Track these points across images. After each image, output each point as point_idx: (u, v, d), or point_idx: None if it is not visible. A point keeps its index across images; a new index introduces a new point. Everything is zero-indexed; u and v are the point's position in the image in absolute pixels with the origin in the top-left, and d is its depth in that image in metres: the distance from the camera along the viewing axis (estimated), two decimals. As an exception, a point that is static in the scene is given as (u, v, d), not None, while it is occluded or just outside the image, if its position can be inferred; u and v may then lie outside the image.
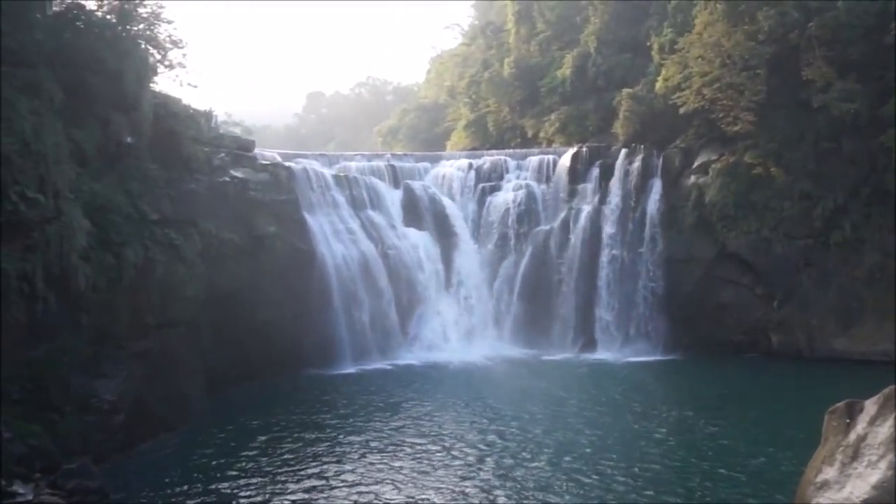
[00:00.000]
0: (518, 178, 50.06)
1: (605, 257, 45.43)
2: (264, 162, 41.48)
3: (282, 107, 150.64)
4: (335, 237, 42.42)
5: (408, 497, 22.04)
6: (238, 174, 38.12)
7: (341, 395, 34.46)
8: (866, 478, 11.47)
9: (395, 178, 48.90)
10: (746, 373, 38.96)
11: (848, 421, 12.30)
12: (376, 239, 44.35)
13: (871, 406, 12.18)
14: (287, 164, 42.90)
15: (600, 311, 44.91)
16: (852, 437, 12.05)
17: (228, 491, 22.89)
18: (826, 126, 40.76)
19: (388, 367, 40.50)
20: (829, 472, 12.05)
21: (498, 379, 38.03)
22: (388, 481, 23.32)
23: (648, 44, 49.80)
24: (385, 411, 31.51)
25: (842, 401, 12.72)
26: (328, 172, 45.53)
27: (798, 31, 41.47)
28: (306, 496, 22.32)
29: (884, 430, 11.65)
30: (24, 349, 23.79)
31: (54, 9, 29.13)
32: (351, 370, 39.49)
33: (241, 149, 40.60)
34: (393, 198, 47.61)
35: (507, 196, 48.71)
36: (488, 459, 25.31)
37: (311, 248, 40.32)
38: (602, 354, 43.24)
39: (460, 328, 45.52)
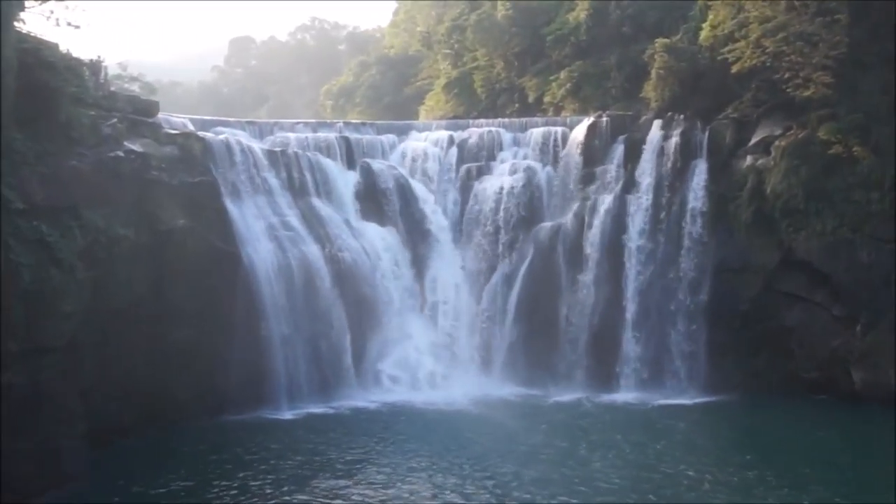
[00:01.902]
0: (515, 157, 49.93)
1: (630, 265, 45.39)
2: (172, 131, 41.06)
3: (196, 57, 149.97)
4: (267, 234, 42.08)
5: None
6: (136, 147, 37.61)
7: (270, 452, 33.95)
8: None
9: (350, 155, 48.62)
10: (820, 422, 38.77)
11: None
12: (322, 238, 44.04)
13: None
14: (202, 134, 42.49)
15: (624, 336, 44.82)
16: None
17: None
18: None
19: (337, 412, 40.16)
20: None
21: (485, 431, 37.56)
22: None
23: (691, -21, 49.92)
24: (324, 477, 30.99)
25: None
26: (259, 147, 45.18)
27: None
28: None
29: None
30: None
31: None
32: (286, 415, 39.13)
33: (139, 113, 40.08)
34: (346, 182, 47.38)
35: (500, 182, 48.54)
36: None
37: (235, 248, 39.92)
38: (626, 395, 43.17)
39: (436, 360, 45.29)
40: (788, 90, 42.95)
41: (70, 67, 34.72)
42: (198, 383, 37.13)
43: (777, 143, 43.82)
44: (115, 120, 37.69)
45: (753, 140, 44.96)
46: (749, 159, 44.69)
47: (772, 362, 42.85)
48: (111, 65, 47.25)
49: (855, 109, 42.20)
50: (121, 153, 36.69)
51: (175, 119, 44.22)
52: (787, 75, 42.80)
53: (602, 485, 30.03)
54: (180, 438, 35.02)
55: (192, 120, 45.49)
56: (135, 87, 63.09)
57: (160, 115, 42.11)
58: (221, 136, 43.52)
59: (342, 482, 30.54)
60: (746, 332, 43.35)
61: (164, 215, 37.41)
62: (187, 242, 37.70)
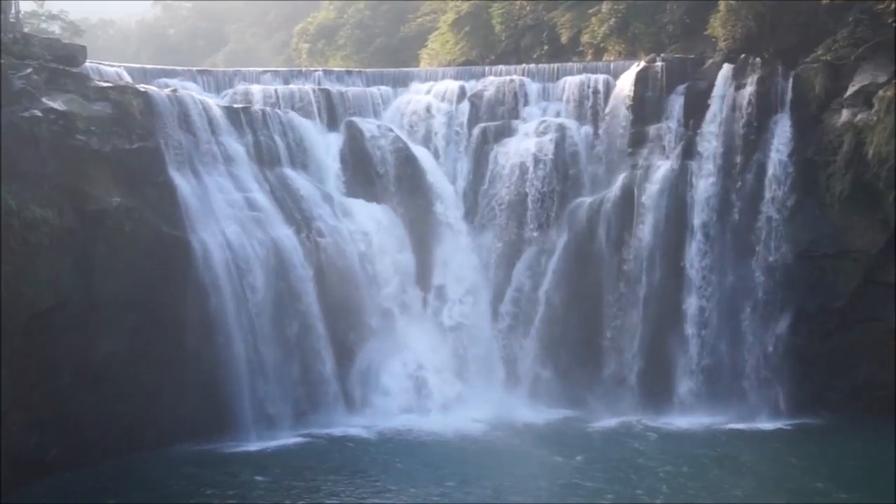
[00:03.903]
0: (544, 114, 49.97)
1: (693, 251, 45.47)
2: (103, 84, 41.12)
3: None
4: (227, 215, 42.18)
5: None
6: (56, 105, 37.71)
7: (231, 497, 34.20)
8: None
9: (332, 113, 48.88)
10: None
11: None
12: (298, 219, 44.24)
13: None
14: (142, 87, 42.54)
15: (685, 343, 45.01)
16: None
17: None
18: None
19: (315, 442, 40.51)
20: None
21: (505, 467, 37.75)
22: None
23: None
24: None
25: None
26: (215, 103, 45.34)
27: None
28: None
29: None
30: None
31: None
32: (252, 446, 39.43)
33: (61, 61, 40.25)
34: (327, 148, 47.65)
35: (525, 146, 48.59)
36: None
37: (185, 234, 40.09)
38: (686, 418, 43.35)
39: (443, 375, 45.56)
40: (896, 25, 42.86)
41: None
42: (139, 407, 37.29)
43: (881, 93, 43.62)
44: (30, 70, 37.84)
45: (851, 90, 44.75)
46: (845, 114, 44.51)
47: (874, 376, 42.82)
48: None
49: (982, 49, 42.17)
50: (37, 112, 36.84)
51: (107, 68, 44.27)
52: (894, 5, 42.69)
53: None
54: (120, 478, 35.25)
55: (128, 69, 45.59)
56: (55, 28, 63.38)
57: (88, 64, 42.27)
58: (167, 90, 43.54)
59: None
60: (841, 337, 43.47)
61: (93, 192, 37.51)
62: (124, 227, 37.82)
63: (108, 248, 37.31)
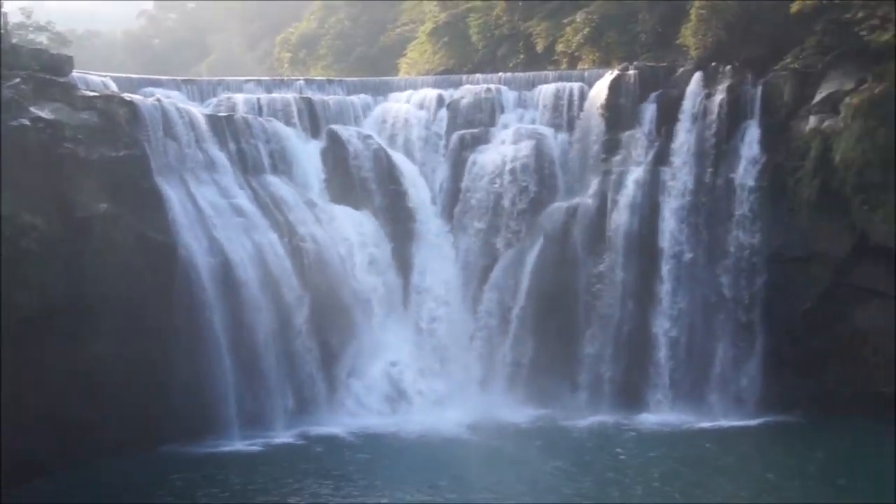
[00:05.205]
0: (520, 121, 50.03)
1: (666, 254, 45.56)
2: (90, 93, 41.09)
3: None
4: (211, 221, 42.13)
5: None
6: (44, 114, 37.71)
7: (217, 495, 34.09)
8: None
9: (314, 121, 48.82)
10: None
11: None
12: (281, 224, 44.21)
13: None
14: (128, 96, 42.50)
15: (659, 343, 45.06)
16: None
17: None
18: None
19: (300, 442, 40.46)
20: None
21: (485, 467, 37.60)
22: None
23: None
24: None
25: None
26: (199, 111, 45.23)
27: None
28: None
29: None
30: None
31: None
32: (238, 446, 39.43)
33: (49, 71, 40.20)
34: (309, 155, 47.66)
35: (501, 153, 48.64)
36: None
37: (171, 239, 40.07)
38: (661, 416, 43.51)
39: (423, 375, 45.57)
40: (862, 33, 42.91)
41: (-42, 14, 34.84)
42: (128, 408, 37.16)
43: (848, 100, 43.65)
44: (18, 80, 37.78)
45: (818, 97, 44.83)
46: (813, 121, 44.58)
47: (842, 374, 42.88)
48: (12, 10, 47.14)
49: (946, 56, 42.22)
50: (25, 121, 36.83)
51: (94, 78, 44.17)
52: (860, 14, 42.79)
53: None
54: (106, 479, 35.16)
55: (114, 79, 45.49)
56: (43, 39, 63.15)
57: (75, 74, 42.16)
58: (152, 99, 43.46)
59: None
60: (811, 337, 43.48)
61: (80, 199, 37.50)
62: (110, 233, 37.82)
63: (96, 253, 37.25)
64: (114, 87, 43.47)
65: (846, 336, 43.26)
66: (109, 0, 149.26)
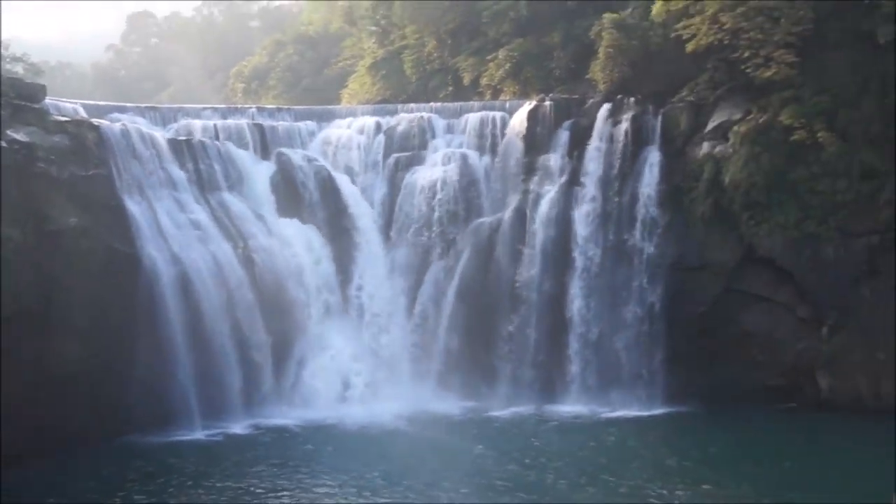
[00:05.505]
0: (449, 145, 50.13)
1: (577, 264, 45.75)
2: (61, 118, 40.71)
3: (89, 35, 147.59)
4: (171, 234, 41.81)
5: None
6: (19, 136, 37.43)
7: (178, 481, 33.87)
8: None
9: (264, 144, 48.55)
10: (786, 433, 39.59)
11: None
12: (235, 236, 43.97)
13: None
14: (96, 121, 42.12)
15: (572, 342, 45.25)
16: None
17: None
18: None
19: (253, 432, 40.29)
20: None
21: (416, 453, 37.67)
22: None
23: (641, -54, 50.26)
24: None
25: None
26: (161, 135, 44.86)
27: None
28: None
29: None
30: None
31: None
32: (198, 435, 39.27)
33: (23, 98, 39.76)
34: (260, 174, 47.32)
35: (432, 173, 48.76)
36: None
37: (134, 250, 39.74)
38: (574, 407, 43.69)
39: (362, 371, 45.40)
40: (748, 70, 43.43)
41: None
42: (94, 403, 36.83)
43: (736, 128, 44.24)
44: (-4, 106, 37.24)
45: (710, 125, 45.40)
46: (706, 146, 45.14)
47: (733, 369, 43.25)
48: (-10, 43, 46.53)
49: (820, 91, 42.76)
50: (2, 143, 36.45)
51: (65, 105, 43.64)
52: (746, 54, 43.27)
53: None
54: (73, 468, 34.71)
55: (84, 105, 44.90)
56: (18, 69, 62.15)
57: (47, 101, 41.61)
58: (118, 124, 43.11)
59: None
60: (705, 337, 43.86)
61: (52, 213, 37.13)
62: (80, 244, 37.47)
63: (66, 263, 36.88)
64: (83, 113, 42.98)
65: (736, 336, 43.81)
66: (80, 35, 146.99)
